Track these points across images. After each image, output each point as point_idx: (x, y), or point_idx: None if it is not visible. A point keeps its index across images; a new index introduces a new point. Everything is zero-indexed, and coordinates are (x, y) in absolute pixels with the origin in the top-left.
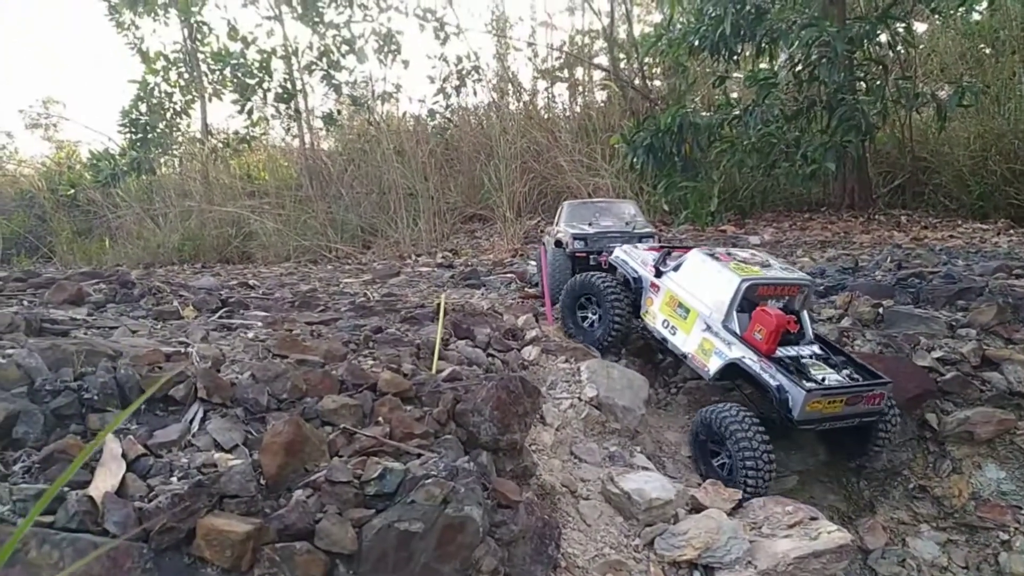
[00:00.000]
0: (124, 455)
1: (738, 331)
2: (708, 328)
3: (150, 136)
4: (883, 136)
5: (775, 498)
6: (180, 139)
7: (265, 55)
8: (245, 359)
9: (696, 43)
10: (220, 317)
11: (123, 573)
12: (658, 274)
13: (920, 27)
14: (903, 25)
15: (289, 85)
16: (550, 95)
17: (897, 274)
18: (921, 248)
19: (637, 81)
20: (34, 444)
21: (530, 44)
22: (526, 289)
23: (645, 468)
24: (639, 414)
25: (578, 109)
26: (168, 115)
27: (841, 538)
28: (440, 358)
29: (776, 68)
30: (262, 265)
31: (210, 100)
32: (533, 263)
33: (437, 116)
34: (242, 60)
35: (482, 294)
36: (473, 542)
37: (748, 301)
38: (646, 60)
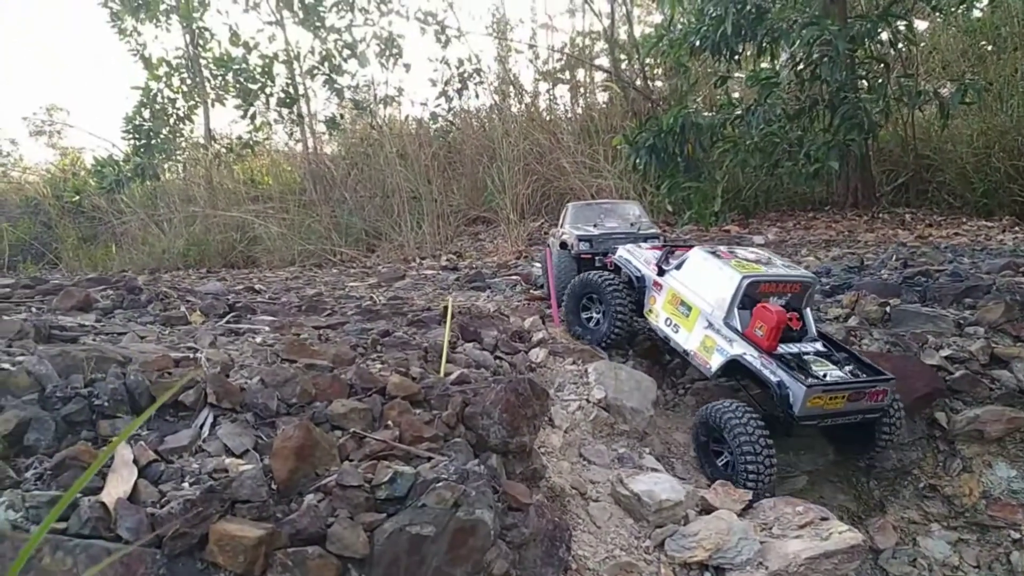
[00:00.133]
0: (135, 461)
1: (740, 328)
2: (710, 325)
3: (154, 142)
4: (886, 134)
5: (785, 498)
6: (184, 145)
7: (267, 60)
8: (254, 364)
9: (697, 43)
10: (228, 322)
11: None
12: (660, 273)
13: (921, 25)
14: (904, 23)
15: (291, 90)
16: (552, 97)
17: (903, 272)
18: (926, 246)
19: (639, 82)
20: (46, 451)
21: (531, 46)
22: (532, 291)
23: (654, 469)
24: (647, 415)
25: (580, 111)
26: (171, 121)
27: (852, 538)
28: (448, 361)
29: (778, 67)
30: (267, 269)
31: (213, 105)
32: (538, 265)
33: (439, 119)
34: (244, 65)
35: (488, 296)
36: (484, 545)
37: (750, 298)
38: (647, 61)
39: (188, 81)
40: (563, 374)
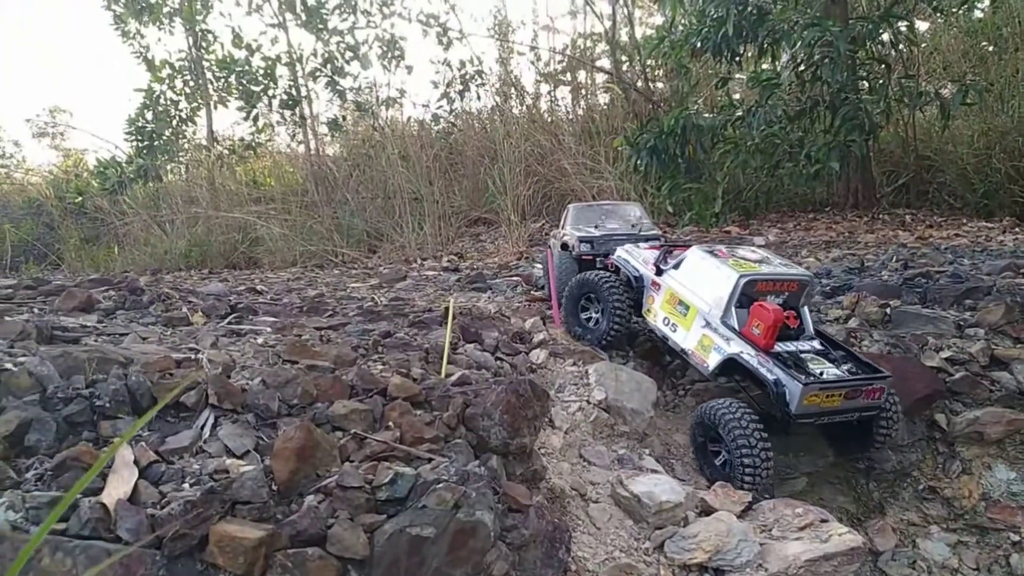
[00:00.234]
0: (136, 462)
1: (737, 327)
2: (707, 324)
3: (156, 143)
4: (887, 135)
5: (785, 500)
6: (186, 146)
7: (270, 62)
8: (255, 365)
9: (698, 45)
10: (229, 323)
11: None
12: (659, 272)
13: (922, 25)
14: (905, 24)
15: (294, 91)
16: (553, 98)
17: (903, 274)
18: (927, 247)
19: (640, 83)
20: (46, 452)
21: (533, 48)
22: (532, 292)
23: (654, 471)
24: (648, 416)
25: (581, 112)
26: (174, 123)
27: (852, 540)
28: (449, 362)
29: (779, 69)
30: (269, 270)
31: (215, 107)
32: (539, 266)
33: (441, 120)
34: (247, 67)
35: (489, 297)
36: (485, 547)
37: (747, 297)
38: (648, 62)
39: (191, 83)
40: (563, 375)
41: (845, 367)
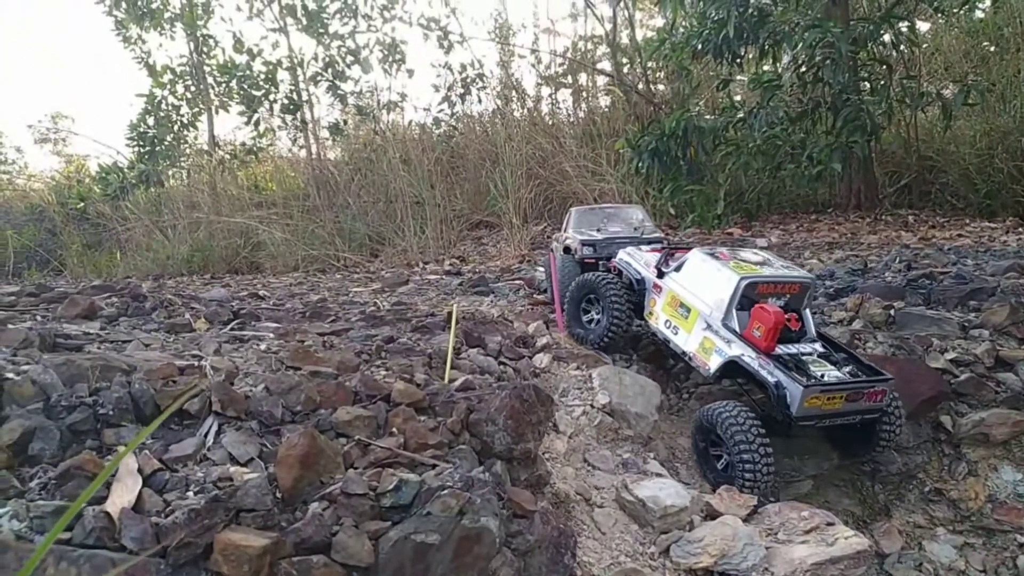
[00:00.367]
0: (140, 470)
1: (738, 329)
2: (708, 327)
3: (158, 149)
4: (888, 136)
5: (790, 503)
6: (188, 151)
7: (271, 67)
8: (258, 371)
9: (699, 47)
10: (232, 329)
11: None
12: (660, 275)
13: (923, 26)
14: (907, 24)
15: (295, 96)
16: (554, 101)
17: (907, 275)
18: (930, 248)
19: (641, 86)
20: (50, 460)
21: (533, 51)
22: (535, 296)
23: (659, 475)
24: (652, 420)
25: (582, 115)
26: (176, 128)
27: (858, 543)
28: (452, 367)
29: (780, 70)
30: (271, 275)
31: (217, 112)
32: (541, 269)
33: (442, 124)
34: (248, 72)
35: (491, 301)
36: (490, 553)
37: (748, 299)
38: (649, 64)
39: (192, 88)
40: (567, 379)
41: (847, 369)
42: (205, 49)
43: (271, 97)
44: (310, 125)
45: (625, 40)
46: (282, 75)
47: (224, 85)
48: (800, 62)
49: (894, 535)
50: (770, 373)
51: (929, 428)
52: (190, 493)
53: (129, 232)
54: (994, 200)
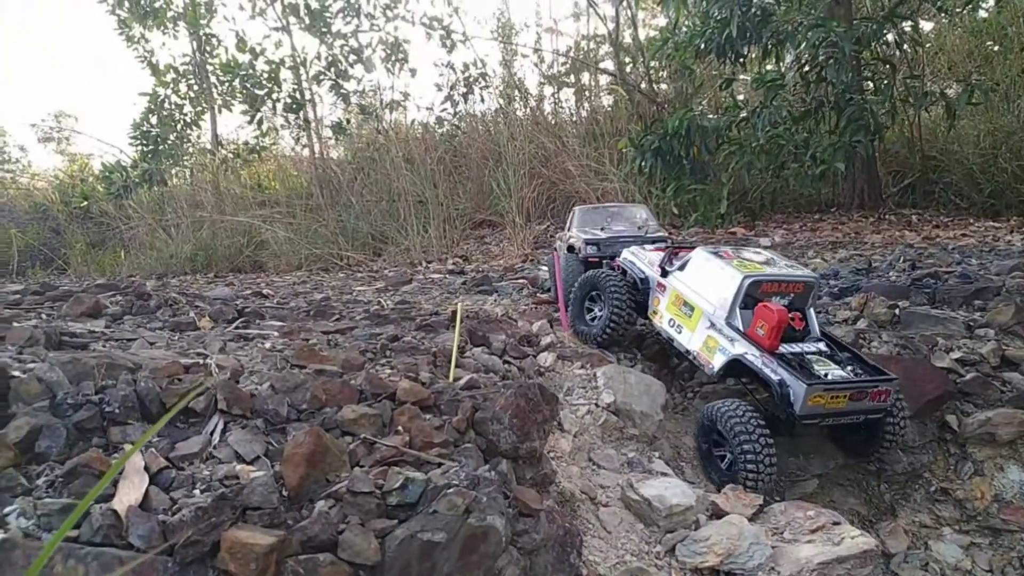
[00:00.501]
0: (147, 468)
1: (742, 328)
2: (712, 325)
3: (161, 148)
4: (892, 135)
5: (796, 503)
6: (191, 150)
7: (274, 66)
8: (263, 370)
9: (702, 46)
10: (237, 327)
11: None
12: (664, 274)
13: (927, 26)
14: (910, 24)
15: (298, 95)
16: (557, 100)
17: (911, 274)
18: (934, 247)
19: (644, 85)
20: (57, 458)
21: (536, 50)
22: (539, 294)
23: (664, 474)
24: (657, 419)
25: (585, 114)
26: (179, 127)
27: (865, 543)
28: (457, 366)
29: (783, 69)
30: (274, 274)
31: (220, 111)
32: (544, 268)
33: (445, 123)
34: (251, 71)
35: (495, 300)
36: (496, 551)
37: (752, 298)
38: (652, 64)
39: (195, 87)
40: (572, 378)
41: (850, 369)
42: (208, 48)
43: (274, 96)
44: (313, 124)
45: (628, 39)
46: (285, 74)
47: (227, 84)
48: (803, 61)
49: (900, 535)
50: (773, 372)
51: (935, 428)
52: (196, 491)
53: (133, 231)
54: (998, 200)
